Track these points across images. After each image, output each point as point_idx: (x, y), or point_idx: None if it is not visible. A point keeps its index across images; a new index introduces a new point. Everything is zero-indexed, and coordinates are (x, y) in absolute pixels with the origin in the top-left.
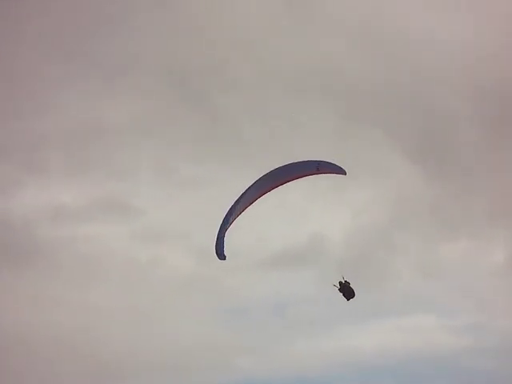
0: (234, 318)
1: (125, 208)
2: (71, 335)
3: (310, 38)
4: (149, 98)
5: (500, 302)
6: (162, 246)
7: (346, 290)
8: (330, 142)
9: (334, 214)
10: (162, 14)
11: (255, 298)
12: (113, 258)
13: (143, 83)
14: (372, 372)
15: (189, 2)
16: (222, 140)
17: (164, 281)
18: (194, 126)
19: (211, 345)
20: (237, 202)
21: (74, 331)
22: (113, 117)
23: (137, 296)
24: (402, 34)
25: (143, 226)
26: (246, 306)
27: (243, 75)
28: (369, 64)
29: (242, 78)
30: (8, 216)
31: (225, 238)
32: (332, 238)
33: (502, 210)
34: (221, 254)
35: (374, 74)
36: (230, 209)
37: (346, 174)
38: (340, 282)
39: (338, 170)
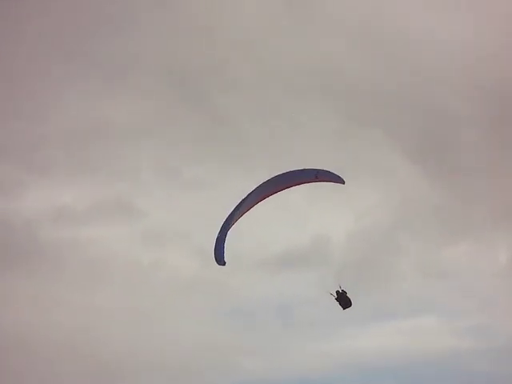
0: (237, 319)
1: (127, 209)
2: (73, 336)
3: (310, 38)
4: (150, 99)
5: (502, 303)
6: (164, 247)
7: (343, 299)
8: (331, 142)
9: (337, 216)
10: (163, 14)
11: (258, 300)
12: (115, 260)
13: (145, 84)
14: (374, 373)
15: (189, 2)
16: (223, 140)
17: (166, 282)
18: (196, 126)
19: (213, 346)
20: (235, 208)
21: (76, 332)
22: (115, 117)
23: (139, 297)
24: (403, 34)
25: (145, 228)
26: (248, 308)
27: (244, 75)
28: (369, 64)
29: (243, 79)
30: (10, 217)
31: (225, 243)
32: (335, 239)
33: (504, 212)
34: (221, 260)
35: (374, 74)
36: (229, 215)
37: (344, 183)
38: (337, 292)
39: (337, 179)
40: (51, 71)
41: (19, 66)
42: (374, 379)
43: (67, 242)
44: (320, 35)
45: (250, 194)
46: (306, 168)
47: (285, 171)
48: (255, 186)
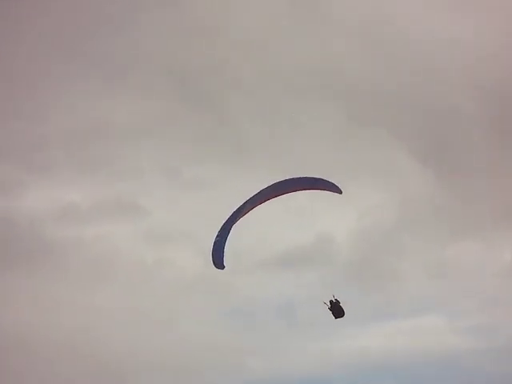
0: (239, 318)
1: (130, 209)
2: (75, 335)
3: (311, 39)
4: (152, 99)
5: (504, 303)
6: (167, 246)
7: (336, 309)
8: (333, 142)
9: (340, 216)
10: (164, 14)
11: (260, 299)
12: (118, 259)
13: (147, 84)
14: (376, 373)
15: (189, 1)
16: (225, 140)
17: (169, 281)
18: (197, 126)
19: (215, 345)
20: (233, 213)
21: (78, 331)
22: (117, 117)
23: (142, 296)
24: (404, 34)
25: (148, 227)
26: (250, 307)
27: (244, 75)
28: (370, 64)
29: (244, 79)
30: (14, 216)
31: (225, 247)
32: (337, 239)
33: (507, 212)
34: (220, 264)
35: (375, 74)
36: (227, 220)
37: (341, 192)
38: (330, 301)
39: (335, 189)
40: (53, 71)
41: (21, 66)
42: (376, 379)
43: (70, 241)
44: (321, 35)
45: (247, 200)
46: (305, 176)
47: (283, 179)
48: (253, 193)
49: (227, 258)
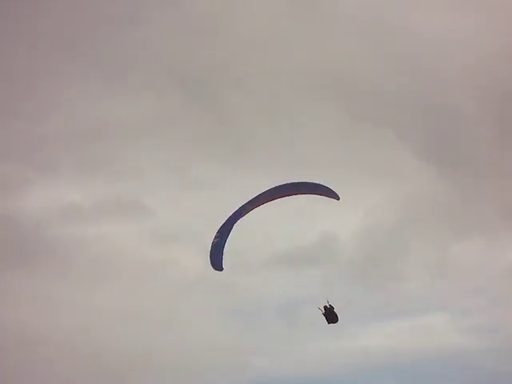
0: (243, 318)
1: (133, 208)
2: (79, 335)
3: (313, 38)
4: (155, 99)
5: (509, 302)
6: (172, 246)
7: (330, 315)
8: (336, 141)
9: (343, 215)
10: (165, 14)
11: (264, 299)
12: (121, 259)
13: (149, 84)
14: (379, 372)
15: (191, 1)
16: (231, 140)
17: (173, 281)
18: (201, 126)
19: (218, 345)
20: (232, 215)
21: (82, 331)
22: (120, 117)
23: (146, 296)
24: (406, 33)
25: (153, 226)
26: (254, 307)
27: (247, 75)
28: (373, 64)
29: (246, 78)
30: (16, 216)
31: (224, 249)
32: (341, 238)
33: (511, 211)
34: (219, 266)
35: (378, 74)
36: (226, 223)
37: (339, 199)
38: (325, 307)
39: (332, 195)
40: (54, 71)
41: (21, 66)
42: (378, 378)
43: (73, 241)
44: (322, 35)
45: (246, 203)
46: (304, 181)
47: (282, 182)
48: (253, 195)
49: (230, 257)
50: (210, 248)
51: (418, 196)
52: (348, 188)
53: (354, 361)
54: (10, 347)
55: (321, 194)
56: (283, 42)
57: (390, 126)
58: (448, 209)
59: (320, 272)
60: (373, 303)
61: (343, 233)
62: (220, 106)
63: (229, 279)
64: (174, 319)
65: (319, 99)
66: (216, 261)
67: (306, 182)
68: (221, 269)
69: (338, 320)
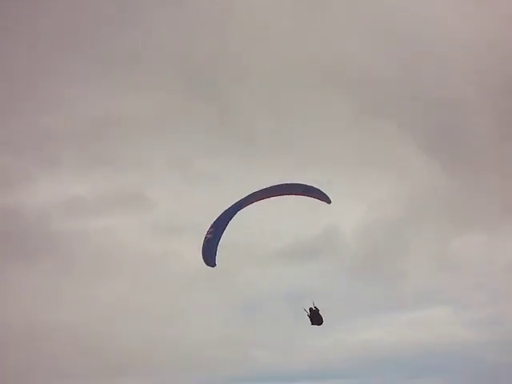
0: (247, 311)
1: (137, 201)
2: (81, 328)
3: (320, 31)
4: (160, 92)
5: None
6: (174, 239)
7: (315, 317)
8: (343, 135)
9: (348, 208)
10: (168, 10)
11: (268, 292)
12: (125, 251)
13: (156, 78)
14: (384, 365)
15: None
16: (234, 133)
17: (177, 274)
18: (206, 119)
19: (223, 338)
20: (226, 212)
21: (85, 324)
22: (125, 110)
23: (149, 289)
24: (415, 25)
25: (155, 220)
26: (258, 300)
27: (255, 68)
28: (381, 56)
29: (254, 71)
30: (20, 209)
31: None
32: (345, 231)
33: None
34: (212, 262)
35: (384, 68)
36: (220, 219)
37: (330, 202)
38: (310, 309)
39: (324, 198)
40: (61, 66)
41: (28, 61)
42: (381, 371)
43: (76, 235)
44: (328, 27)
45: (240, 200)
46: (297, 183)
47: (276, 183)
48: (247, 194)
49: (232, 251)
50: (202, 243)
51: (421, 191)
52: (351, 182)
53: (355, 354)
54: (11, 341)
55: (313, 197)
56: (287, 36)
57: (394, 122)
58: (450, 203)
59: (322, 266)
60: (375, 297)
61: (346, 227)
62: (223, 100)
63: (232, 273)
64: (175, 312)
65: (323, 94)
66: (209, 257)
67: (300, 184)
68: (213, 265)
69: (322, 322)
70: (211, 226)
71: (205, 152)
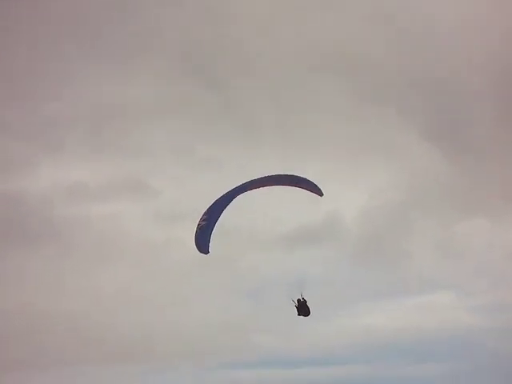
0: (249, 297)
1: (140, 188)
2: (85, 315)
3: (322, 18)
4: (165, 80)
5: None
6: (177, 226)
7: (302, 308)
8: (344, 121)
9: (351, 193)
10: None
11: (270, 277)
12: (128, 238)
13: (160, 65)
14: (388, 350)
15: None
16: (236, 120)
17: (180, 260)
18: (209, 105)
19: (225, 324)
20: (220, 200)
21: (87, 311)
22: (129, 97)
23: (152, 276)
24: (415, 10)
25: (158, 206)
26: (261, 286)
27: (257, 55)
28: (381, 43)
29: (256, 58)
30: (23, 195)
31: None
32: (348, 217)
33: None
34: (205, 249)
35: (386, 54)
36: (214, 206)
37: (322, 195)
38: (298, 300)
39: (316, 190)
40: (67, 52)
41: (37, 47)
42: (383, 356)
43: (78, 221)
44: (330, 15)
45: (235, 188)
46: (292, 174)
47: (271, 174)
48: (240, 183)
49: (234, 237)
50: (195, 230)
51: (422, 177)
52: (353, 169)
53: (358, 340)
54: (13, 329)
55: (305, 189)
56: (293, 21)
57: (396, 109)
58: (452, 190)
59: (325, 251)
60: (377, 282)
61: (348, 213)
62: (225, 87)
63: (233, 259)
64: (178, 299)
65: (326, 80)
66: (202, 244)
67: (293, 175)
68: (207, 252)
69: (309, 314)
70: (204, 214)
71: (207, 139)
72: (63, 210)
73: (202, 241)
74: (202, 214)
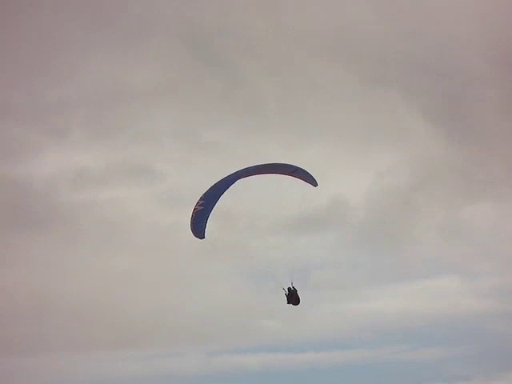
0: (256, 281)
1: (145, 172)
2: (94, 300)
3: (327, 2)
4: (169, 64)
5: None
6: (182, 210)
7: (292, 296)
8: (349, 104)
9: (355, 177)
10: None
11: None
12: (134, 222)
13: (164, 49)
14: (394, 335)
15: None
16: (240, 103)
17: (185, 245)
18: (213, 89)
19: (233, 308)
20: (217, 185)
21: (96, 296)
22: (133, 81)
23: (159, 260)
24: None
25: (164, 190)
26: (267, 270)
27: (261, 38)
28: (385, 25)
29: (260, 41)
30: (28, 180)
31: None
32: (353, 201)
33: None
34: (201, 235)
35: (390, 36)
36: (212, 191)
37: (316, 185)
38: (289, 288)
39: (311, 181)
40: (73, 37)
41: (42, 32)
42: (390, 340)
43: (87, 206)
44: None
45: (231, 174)
46: (287, 163)
47: (269, 162)
48: (237, 169)
49: (242, 221)
50: (191, 215)
51: (429, 159)
52: (359, 152)
53: (363, 324)
54: (20, 313)
55: (300, 178)
56: (294, 4)
57: (402, 90)
58: (458, 173)
59: (330, 236)
60: (384, 266)
61: (354, 196)
62: (229, 70)
63: (241, 243)
64: (185, 282)
65: (330, 62)
66: (198, 229)
67: (288, 164)
68: (202, 237)
69: (299, 303)
70: (201, 199)
71: (213, 122)
72: (68, 194)
73: (198, 226)
74: (199, 198)
